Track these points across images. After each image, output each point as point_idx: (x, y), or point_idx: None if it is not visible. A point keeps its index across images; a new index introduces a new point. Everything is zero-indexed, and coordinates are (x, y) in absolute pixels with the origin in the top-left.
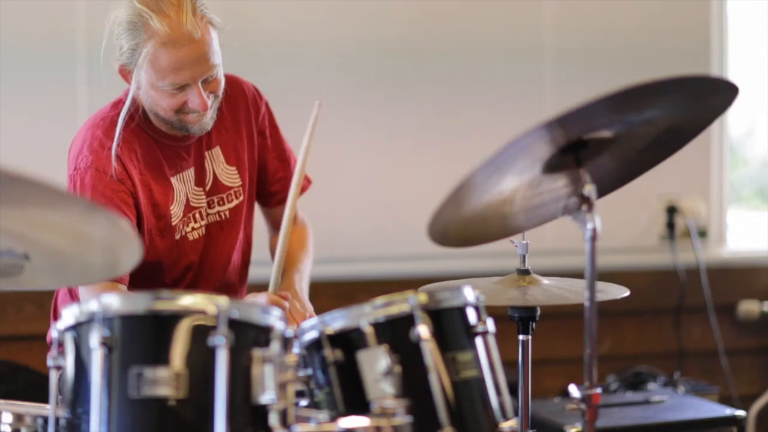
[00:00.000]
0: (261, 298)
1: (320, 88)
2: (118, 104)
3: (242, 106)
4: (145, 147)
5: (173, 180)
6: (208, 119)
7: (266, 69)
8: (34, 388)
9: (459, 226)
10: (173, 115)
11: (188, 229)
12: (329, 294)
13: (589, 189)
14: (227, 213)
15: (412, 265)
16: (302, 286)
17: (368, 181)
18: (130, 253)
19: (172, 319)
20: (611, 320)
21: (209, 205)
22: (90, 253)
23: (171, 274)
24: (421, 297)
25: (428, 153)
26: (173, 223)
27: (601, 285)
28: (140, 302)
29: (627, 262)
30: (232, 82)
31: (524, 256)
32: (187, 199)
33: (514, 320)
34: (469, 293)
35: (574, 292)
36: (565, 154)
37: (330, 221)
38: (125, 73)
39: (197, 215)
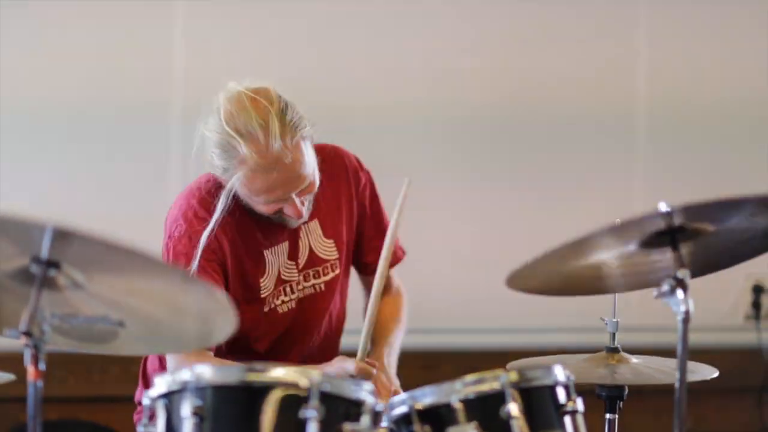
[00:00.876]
0: (349, 364)
1: (410, 162)
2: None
3: (343, 178)
4: (240, 219)
5: (266, 252)
6: (305, 214)
7: (357, 140)
8: None
9: (544, 277)
10: (271, 215)
11: (278, 302)
12: (415, 365)
13: (684, 273)
14: (322, 286)
15: (498, 338)
16: (390, 361)
17: (456, 252)
18: (225, 323)
19: (264, 390)
20: (694, 398)
21: (305, 279)
22: (184, 323)
23: (258, 345)
24: (512, 375)
25: (517, 226)
26: (262, 296)
27: (690, 365)
28: (233, 373)
29: (711, 341)
30: (334, 154)
31: (614, 334)
32: (279, 272)
33: (601, 398)
34: (560, 372)
35: (663, 372)
36: (662, 236)
37: (417, 291)
38: (219, 179)
39: (287, 288)
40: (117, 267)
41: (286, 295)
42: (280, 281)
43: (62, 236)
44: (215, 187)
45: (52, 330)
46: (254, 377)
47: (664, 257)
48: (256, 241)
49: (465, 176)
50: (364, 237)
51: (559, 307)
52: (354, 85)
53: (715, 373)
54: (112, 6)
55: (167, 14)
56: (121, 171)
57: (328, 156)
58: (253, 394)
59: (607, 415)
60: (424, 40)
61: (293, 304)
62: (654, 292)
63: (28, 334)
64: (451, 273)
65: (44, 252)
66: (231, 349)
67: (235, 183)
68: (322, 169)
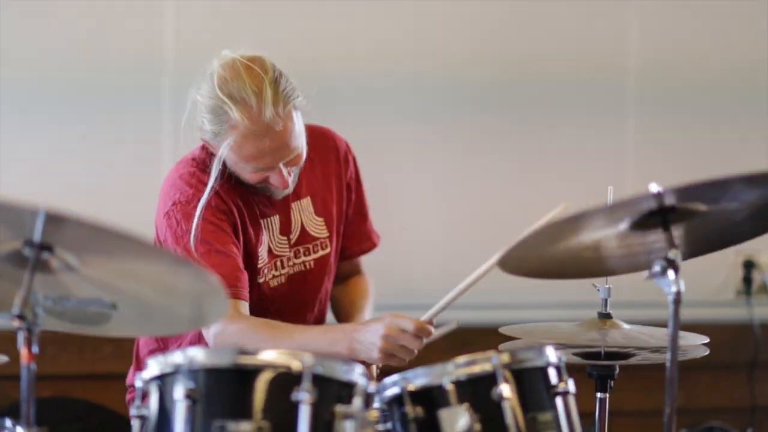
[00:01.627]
0: (407, 322)
1: (403, 135)
2: (205, 147)
3: (333, 159)
4: (239, 187)
5: (262, 222)
6: (291, 185)
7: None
8: (109, 427)
9: (536, 260)
10: (256, 183)
11: (269, 276)
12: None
13: (675, 253)
14: (312, 263)
15: (489, 315)
16: None
17: (447, 228)
18: (217, 306)
19: (256, 373)
20: (685, 374)
21: (295, 255)
22: (177, 305)
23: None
24: (504, 356)
25: (509, 199)
26: (258, 266)
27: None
28: (225, 356)
29: (702, 316)
30: (325, 135)
31: (606, 300)
32: (270, 246)
33: (592, 377)
34: (551, 353)
35: (655, 337)
36: (654, 216)
37: (407, 268)
38: (209, 146)
39: (278, 263)
40: (110, 250)
41: (276, 269)
42: (272, 255)
43: (55, 220)
44: (210, 156)
45: (45, 312)
46: (246, 360)
47: (659, 238)
48: (254, 209)
49: (456, 148)
50: (346, 221)
51: (552, 282)
52: (343, 55)
53: (705, 339)
54: None
55: None
56: (112, 143)
57: (320, 137)
58: (245, 377)
59: (598, 394)
60: (414, 7)
61: (283, 279)
62: (645, 273)
63: (21, 317)
64: (439, 248)
65: (37, 235)
66: None
67: (225, 149)
68: (313, 149)
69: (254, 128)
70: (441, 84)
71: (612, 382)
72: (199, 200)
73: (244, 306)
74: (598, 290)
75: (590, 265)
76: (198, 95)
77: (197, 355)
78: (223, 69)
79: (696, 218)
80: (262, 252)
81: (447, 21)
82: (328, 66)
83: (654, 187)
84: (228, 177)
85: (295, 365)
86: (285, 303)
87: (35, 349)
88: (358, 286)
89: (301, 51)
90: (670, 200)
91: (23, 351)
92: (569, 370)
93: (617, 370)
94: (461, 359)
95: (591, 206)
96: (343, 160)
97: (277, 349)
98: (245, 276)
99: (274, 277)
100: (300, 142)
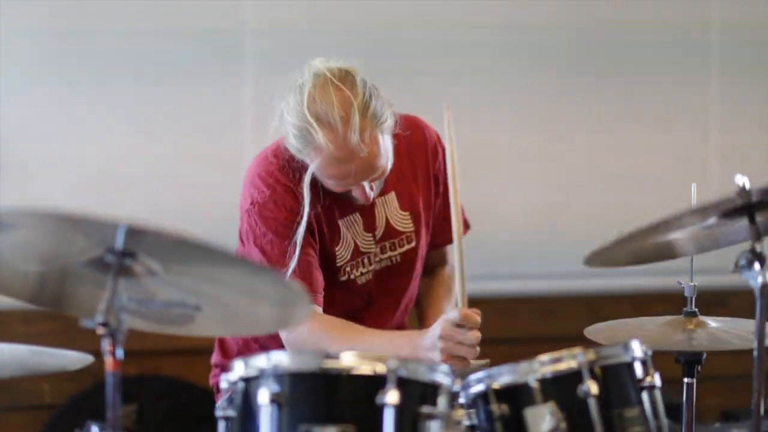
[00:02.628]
0: (452, 313)
1: (483, 103)
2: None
3: (421, 150)
4: (317, 187)
5: (340, 222)
6: (372, 197)
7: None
8: (197, 404)
9: (621, 255)
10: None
11: (357, 273)
12: (490, 311)
13: (761, 246)
14: (398, 258)
15: (573, 283)
16: None
17: (532, 197)
18: (301, 308)
19: (341, 377)
20: None
21: (382, 251)
22: (260, 308)
23: (332, 312)
24: (590, 354)
25: (592, 171)
26: (338, 264)
27: None
28: (310, 360)
29: None
30: (415, 126)
31: (692, 298)
32: (356, 244)
33: (679, 362)
34: (637, 347)
35: (742, 338)
36: (740, 210)
37: (492, 237)
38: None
39: (365, 260)
40: (192, 258)
41: (363, 266)
42: (357, 252)
43: (136, 233)
44: (290, 153)
45: (130, 314)
46: (331, 364)
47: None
48: (331, 210)
49: (540, 118)
50: (434, 212)
51: None
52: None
53: None
54: None
55: None
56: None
57: (409, 127)
58: (330, 381)
59: (686, 379)
60: None
61: (371, 275)
62: (731, 267)
63: (104, 324)
64: (525, 217)
65: (119, 244)
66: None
67: (310, 165)
68: (401, 141)
69: (338, 154)
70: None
71: (699, 367)
72: (274, 202)
73: (317, 311)
74: (683, 287)
75: (671, 251)
76: (285, 109)
77: (282, 359)
78: (313, 86)
79: None
80: (341, 251)
81: None
82: (406, 29)
83: (739, 180)
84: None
85: (380, 368)
86: (373, 298)
87: (120, 355)
88: (439, 279)
89: (379, 13)
90: (756, 197)
91: (108, 358)
92: (656, 354)
93: (705, 355)
94: (546, 357)
95: (677, 211)
96: (431, 152)
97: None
98: (320, 279)
99: (362, 274)
100: (384, 161)
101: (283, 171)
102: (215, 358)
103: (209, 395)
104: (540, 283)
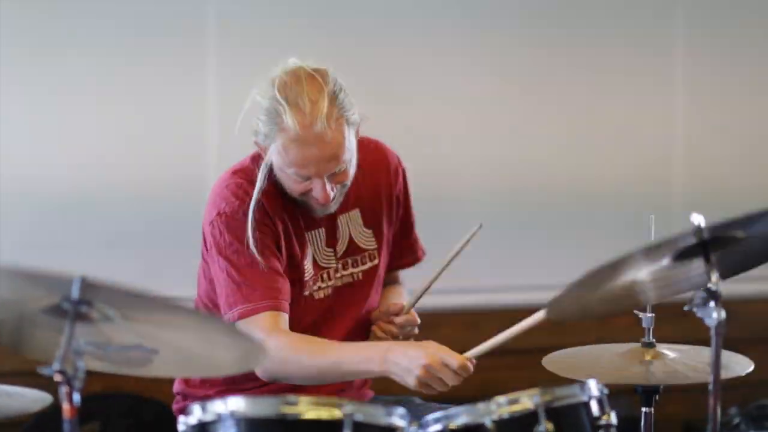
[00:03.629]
0: (453, 359)
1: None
2: (255, 158)
3: (384, 170)
4: (285, 199)
5: (307, 235)
6: (333, 205)
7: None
8: (161, 422)
9: (579, 306)
10: (298, 196)
11: (315, 288)
12: (454, 324)
13: (716, 284)
14: (360, 275)
15: (536, 295)
16: None
17: (493, 212)
18: (260, 356)
19: (298, 423)
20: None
21: (343, 267)
22: (218, 352)
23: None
24: (546, 395)
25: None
26: (305, 279)
27: (725, 358)
28: (267, 407)
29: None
30: (377, 149)
31: (650, 329)
32: (315, 259)
33: (638, 393)
34: (593, 386)
35: (698, 370)
36: (695, 249)
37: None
38: (259, 148)
39: (325, 275)
40: (147, 308)
41: (323, 281)
42: (317, 267)
43: (91, 286)
44: (258, 168)
45: (87, 356)
46: (288, 410)
47: (695, 266)
48: (299, 221)
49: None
50: (394, 233)
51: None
52: None
53: (751, 367)
54: None
55: None
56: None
57: (372, 150)
58: (287, 427)
59: (644, 409)
60: None
61: (329, 291)
62: (686, 306)
63: (62, 372)
64: (487, 231)
65: (74, 294)
66: None
67: (273, 152)
68: (364, 161)
69: (303, 135)
70: None
71: (657, 396)
72: (244, 213)
73: (284, 318)
74: (641, 318)
75: (630, 300)
76: (257, 95)
77: (240, 404)
78: (286, 74)
79: (733, 244)
80: (308, 265)
81: None
82: None
83: (696, 219)
84: (273, 189)
85: (336, 414)
86: (329, 314)
87: (77, 400)
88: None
89: None
90: (709, 234)
91: (65, 406)
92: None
93: (662, 387)
94: (502, 398)
95: (631, 250)
96: (393, 173)
97: (314, 371)
98: (286, 288)
99: (320, 288)
100: (348, 157)
101: (253, 184)
102: (177, 386)
103: (172, 413)
104: (503, 297)
